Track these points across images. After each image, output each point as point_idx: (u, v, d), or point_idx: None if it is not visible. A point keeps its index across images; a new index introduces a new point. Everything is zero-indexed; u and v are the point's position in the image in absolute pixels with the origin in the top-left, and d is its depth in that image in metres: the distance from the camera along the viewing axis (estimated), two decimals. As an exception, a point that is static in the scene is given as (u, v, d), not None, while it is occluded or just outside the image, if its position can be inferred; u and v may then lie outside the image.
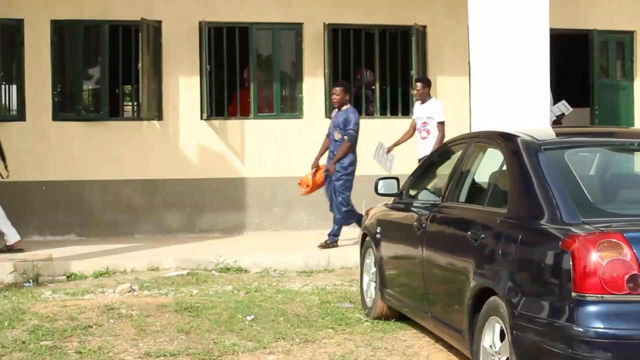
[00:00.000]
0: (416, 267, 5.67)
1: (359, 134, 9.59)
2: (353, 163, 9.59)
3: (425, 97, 10.01)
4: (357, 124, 9.49)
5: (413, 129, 10.20)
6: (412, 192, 6.32)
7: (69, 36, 10.92)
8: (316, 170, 9.70)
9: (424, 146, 9.92)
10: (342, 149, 9.47)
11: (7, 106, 10.91)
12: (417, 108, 10.17)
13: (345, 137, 9.45)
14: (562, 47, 11.24)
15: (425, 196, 6.17)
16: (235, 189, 11.00)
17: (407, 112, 11.52)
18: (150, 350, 5.65)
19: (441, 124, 9.87)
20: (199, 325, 6.30)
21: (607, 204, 4.57)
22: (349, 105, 9.56)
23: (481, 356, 4.57)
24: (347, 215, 9.59)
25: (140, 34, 10.39)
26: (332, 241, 9.53)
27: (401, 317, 6.35)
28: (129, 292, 7.67)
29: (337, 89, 9.56)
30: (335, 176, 9.50)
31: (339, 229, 9.61)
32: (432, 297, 5.48)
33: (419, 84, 10.07)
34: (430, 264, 5.45)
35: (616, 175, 5.17)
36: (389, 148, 10.18)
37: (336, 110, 9.65)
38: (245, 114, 11.17)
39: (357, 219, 9.55)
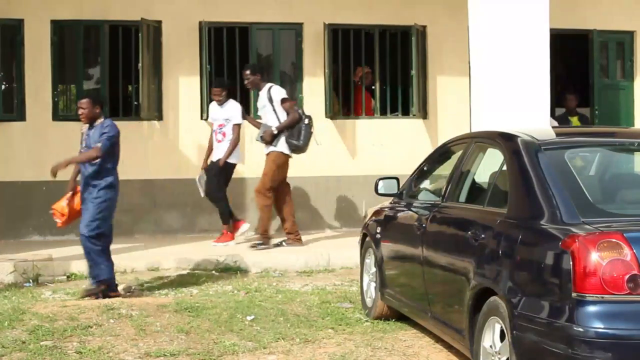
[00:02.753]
0: (416, 267, 5.68)
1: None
2: (109, 189, 7.43)
3: (223, 99, 9.85)
4: (117, 136, 7.42)
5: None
6: (412, 192, 6.32)
7: (69, 36, 10.92)
8: (73, 195, 7.59)
9: (221, 150, 9.75)
10: (86, 153, 7.37)
11: (7, 106, 10.91)
12: (214, 109, 9.94)
13: (98, 145, 7.28)
14: (562, 47, 11.24)
15: (425, 196, 6.17)
16: (235, 189, 10.97)
17: (407, 112, 11.53)
18: (150, 350, 5.65)
19: (237, 126, 9.77)
20: (199, 325, 6.30)
21: (607, 204, 4.57)
22: (102, 119, 7.49)
23: (481, 356, 4.57)
24: (103, 252, 7.53)
25: (140, 34, 10.39)
26: (96, 288, 7.40)
27: (401, 317, 6.35)
28: (129, 292, 7.67)
29: (83, 102, 7.48)
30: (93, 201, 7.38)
31: (107, 272, 7.47)
32: (432, 297, 5.48)
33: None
34: (430, 264, 5.46)
35: (616, 175, 5.17)
36: (203, 166, 9.97)
37: (87, 126, 7.57)
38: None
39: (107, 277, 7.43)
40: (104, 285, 7.40)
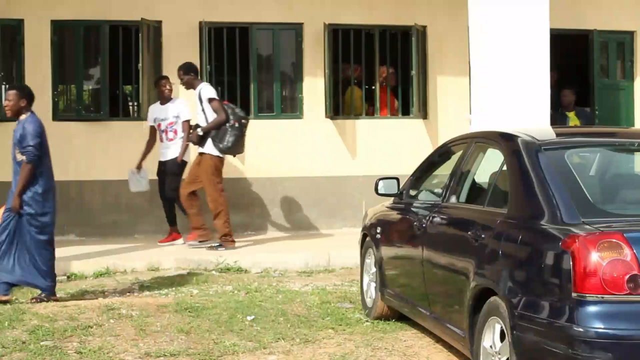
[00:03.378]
0: (416, 267, 5.68)
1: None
2: (48, 192, 7.11)
3: (168, 97, 9.81)
4: (37, 136, 7.00)
5: (154, 134, 9.96)
6: (412, 192, 6.32)
7: (69, 36, 10.92)
8: None
9: (174, 147, 9.66)
10: (22, 175, 6.96)
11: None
12: (159, 109, 9.89)
13: (24, 158, 6.98)
14: (562, 47, 11.24)
15: (425, 196, 6.17)
16: (235, 189, 10.99)
17: (407, 112, 11.54)
18: (150, 350, 5.65)
19: (187, 123, 9.69)
20: (199, 325, 6.30)
21: (607, 204, 4.57)
22: (28, 114, 7.14)
23: (481, 356, 4.57)
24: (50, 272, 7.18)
25: (140, 34, 10.40)
26: (46, 295, 7.18)
27: (401, 317, 6.35)
28: (129, 292, 7.67)
29: (10, 93, 7.14)
30: (27, 215, 7.01)
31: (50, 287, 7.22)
32: (432, 297, 5.48)
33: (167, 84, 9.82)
34: (431, 264, 5.46)
35: (616, 176, 5.18)
36: (138, 166, 9.91)
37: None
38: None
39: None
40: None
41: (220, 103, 9.44)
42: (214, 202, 9.40)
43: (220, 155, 9.36)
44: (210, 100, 9.30)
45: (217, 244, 9.44)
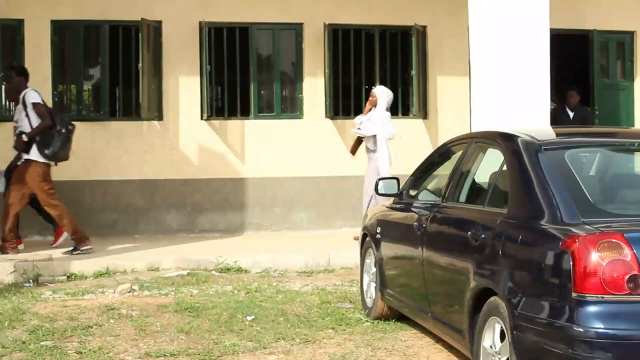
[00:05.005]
0: (416, 267, 5.68)
1: None
2: None
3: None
4: None
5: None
6: (412, 192, 6.32)
7: (69, 36, 10.93)
8: None
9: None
10: None
11: (7, 106, 10.91)
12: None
13: None
14: (562, 47, 11.24)
15: (425, 196, 6.17)
16: (235, 189, 11.01)
17: (406, 112, 11.54)
18: (150, 350, 5.65)
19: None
20: (199, 325, 6.30)
21: (607, 204, 4.57)
22: None
23: (481, 356, 4.57)
24: None
25: (140, 34, 10.40)
26: None
27: (401, 317, 6.35)
28: (129, 292, 7.67)
29: None
30: None
31: None
32: (432, 297, 5.48)
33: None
34: (431, 264, 5.46)
35: (616, 176, 5.18)
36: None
37: None
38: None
39: None
40: None
41: (45, 108, 9.17)
42: (51, 207, 9.13)
43: (45, 162, 9.07)
44: (35, 105, 9.00)
45: (72, 248, 9.19)
